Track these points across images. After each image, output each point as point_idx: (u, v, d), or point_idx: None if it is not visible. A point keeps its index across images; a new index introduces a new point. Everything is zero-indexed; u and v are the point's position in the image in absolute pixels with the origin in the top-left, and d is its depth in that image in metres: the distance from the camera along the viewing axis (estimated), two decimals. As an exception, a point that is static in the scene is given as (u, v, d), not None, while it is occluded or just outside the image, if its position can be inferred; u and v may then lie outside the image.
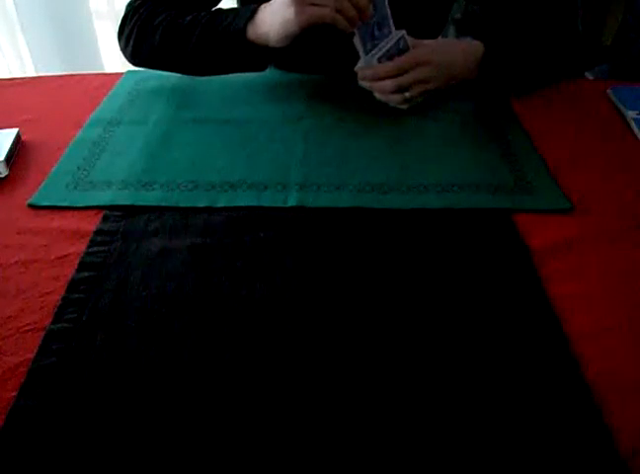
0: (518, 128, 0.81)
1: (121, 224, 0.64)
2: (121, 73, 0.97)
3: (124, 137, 0.79)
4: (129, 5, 0.88)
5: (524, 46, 0.84)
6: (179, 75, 0.94)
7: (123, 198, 0.67)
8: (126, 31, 0.86)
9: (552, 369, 0.49)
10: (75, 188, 0.70)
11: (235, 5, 1.02)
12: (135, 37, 0.85)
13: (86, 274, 0.58)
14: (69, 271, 0.58)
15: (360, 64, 0.78)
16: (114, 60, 2.12)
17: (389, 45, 0.77)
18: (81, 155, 0.76)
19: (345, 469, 0.42)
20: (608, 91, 0.89)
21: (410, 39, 0.78)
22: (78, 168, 0.73)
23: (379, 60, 0.77)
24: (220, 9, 0.84)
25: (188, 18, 0.82)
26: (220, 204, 0.67)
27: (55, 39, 1.94)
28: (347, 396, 0.47)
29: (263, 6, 0.78)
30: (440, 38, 1.03)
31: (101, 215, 0.65)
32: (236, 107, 0.86)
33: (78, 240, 0.62)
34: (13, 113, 0.86)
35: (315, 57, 0.81)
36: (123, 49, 0.89)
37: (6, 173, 0.72)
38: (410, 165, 0.73)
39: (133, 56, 0.88)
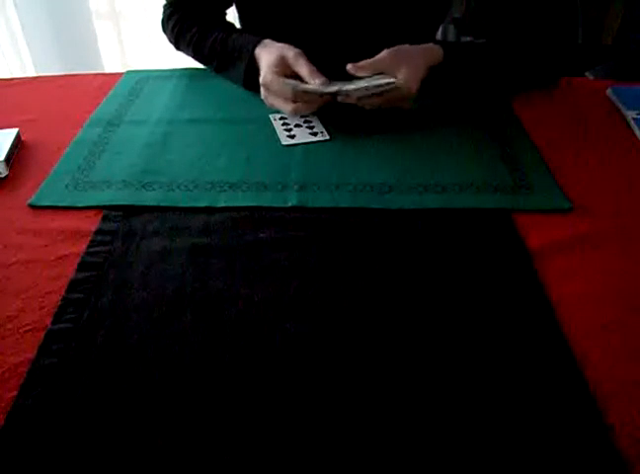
0: (517, 128, 0.81)
1: (121, 224, 0.64)
2: (121, 73, 0.97)
3: (124, 137, 0.79)
4: (164, 10, 0.97)
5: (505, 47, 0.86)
6: (178, 75, 0.95)
7: (123, 198, 0.67)
8: (167, 33, 0.97)
9: (552, 369, 0.48)
10: (75, 188, 0.70)
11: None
12: (175, 43, 0.97)
13: (86, 274, 0.58)
14: (69, 271, 0.58)
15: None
16: (114, 60, 2.12)
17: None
18: (81, 155, 0.76)
19: (345, 469, 0.42)
20: (608, 91, 0.89)
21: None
22: (78, 168, 0.73)
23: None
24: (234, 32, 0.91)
25: (208, 43, 0.90)
26: (220, 204, 0.67)
27: (55, 39, 1.94)
28: (347, 394, 0.47)
29: (258, 51, 0.83)
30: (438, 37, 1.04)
31: (101, 215, 0.65)
32: (236, 107, 0.86)
33: (78, 240, 0.62)
34: (13, 113, 0.86)
35: (316, 58, 0.82)
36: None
37: (6, 173, 0.72)
38: (410, 165, 0.73)
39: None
